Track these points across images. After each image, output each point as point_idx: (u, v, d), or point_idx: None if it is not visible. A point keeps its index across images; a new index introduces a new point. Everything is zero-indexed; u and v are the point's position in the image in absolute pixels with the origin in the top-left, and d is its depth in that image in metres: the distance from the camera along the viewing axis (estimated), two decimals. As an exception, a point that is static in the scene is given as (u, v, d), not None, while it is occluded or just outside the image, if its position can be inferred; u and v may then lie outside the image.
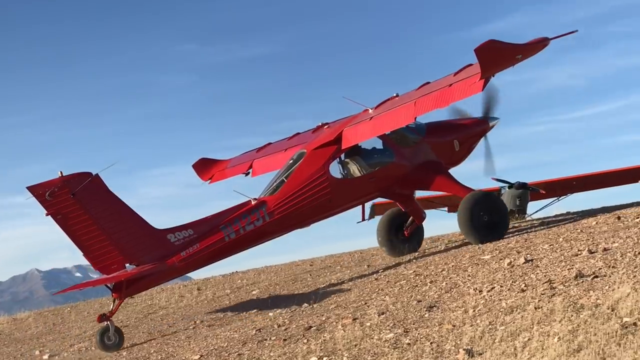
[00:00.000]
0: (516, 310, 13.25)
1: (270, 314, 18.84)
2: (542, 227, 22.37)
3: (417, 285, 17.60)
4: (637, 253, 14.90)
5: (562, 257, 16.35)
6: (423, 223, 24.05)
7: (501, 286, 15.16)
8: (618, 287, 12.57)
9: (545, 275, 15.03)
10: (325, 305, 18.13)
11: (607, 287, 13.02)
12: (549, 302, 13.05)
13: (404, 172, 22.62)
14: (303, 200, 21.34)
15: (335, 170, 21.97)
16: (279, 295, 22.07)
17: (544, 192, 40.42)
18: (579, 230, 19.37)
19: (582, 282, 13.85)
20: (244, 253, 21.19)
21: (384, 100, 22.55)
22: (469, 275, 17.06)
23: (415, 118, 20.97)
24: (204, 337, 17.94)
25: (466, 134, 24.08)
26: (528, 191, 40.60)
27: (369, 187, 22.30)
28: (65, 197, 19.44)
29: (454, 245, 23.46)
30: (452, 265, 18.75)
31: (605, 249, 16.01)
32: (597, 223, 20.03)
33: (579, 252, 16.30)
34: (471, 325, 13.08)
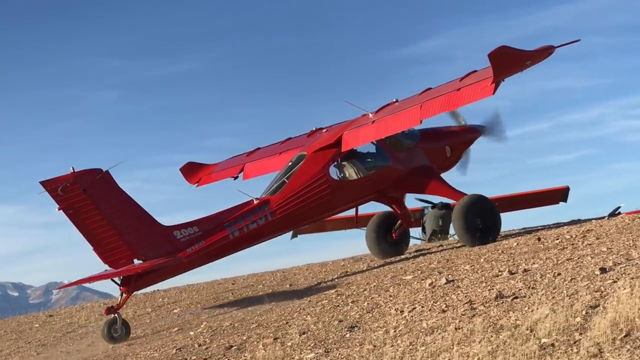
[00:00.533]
0: (437, 331, 13.28)
1: (191, 333, 18.67)
2: (463, 248, 22.49)
3: (338, 305, 17.58)
4: (556, 274, 15.04)
5: (483, 277, 16.46)
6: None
7: (422, 306, 15.19)
8: (537, 308, 12.66)
9: (466, 296, 15.10)
10: (247, 325, 18.01)
11: (526, 308, 13.11)
12: (469, 323, 13.10)
13: (399, 176, 23.47)
14: (304, 201, 22.11)
15: (333, 172, 22.79)
16: (200, 314, 21.90)
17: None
18: (499, 251, 19.52)
19: (502, 302, 13.94)
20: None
21: (383, 105, 23.27)
22: (390, 296, 17.09)
23: (422, 121, 21.56)
24: (123, 357, 17.71)
25: (457, 141, 25.04)
26: (451, 212, 40.87)
27: (366, 189, 23.19)
28: (77, 192, 20.03)
29: (375, 265, 23.50)
30: (374, 285, 18.78)
31: (525, 270, 16.15)
32: (517, 244, 20.20)
33: (500, 273, 16.42)
34: (392, 346, 13.07)
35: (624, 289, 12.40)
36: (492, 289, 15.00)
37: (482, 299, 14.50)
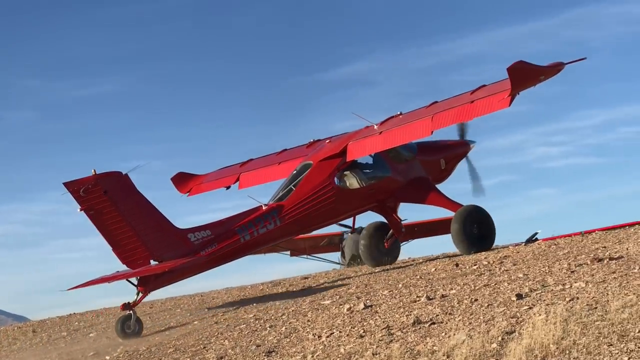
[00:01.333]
0: (354, 356, 13.28)
1: (107, 357, 18.42)
2: (382, 273, 22.56)
3: (256, 330, 17.49)
4: (473, 300, 15.15)
5: (401, 303, 16.51)
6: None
7: (340, 332, 15.18)
8: (454, 334, 12.73)
9: (384, 321, 15.13)
10: (164, 349, 17.83)
11: (443, 334, 13.17)
12: (386, 348, 13.12)
13: (398, 187, 24.54)
14: (311, 207, 23.14)
15: (338, 181, 23.82)
16: (117, 338, 21.61)
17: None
18: (418, 277, 19.61)
19: (420, 328, 13.99)
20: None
21: (387, 118, 24.25)
22: (308, 320, 17.05)
23: (432, 132, 22.37)
24: (36, 381, 17.41)
25: (451, 154, 26.16)
26: (370, 236, 40.97)
27: (367, 198, 24.26)
28: (98, 194, 20.86)
29: (295, 289, 23.46)
30: (292, 310, 18.73)
31: (443, 296, 16.25)
32: (436, 270, 20.32)
33: (418, 299, 16.49)
34: (309, 371, 13.03)
35: (540, 315, 12.53)
36: (410, 315, 15.05)
37: (399, 325, 14.53)
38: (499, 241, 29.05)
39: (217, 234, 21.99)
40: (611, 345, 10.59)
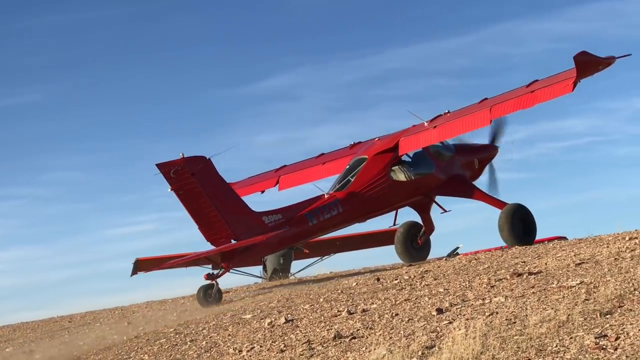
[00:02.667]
0: (275, 371, 13.21)
1: (23, 372, 18.13)
2: (303, 287, 22.54)
3: (177, 344, 17.34)
4: (394, 315, 15.19)
5: (322, 317, 16.49)
6: None
7: (261, 346, 15.11)
8: (374, 349, 12.74)
9: (304, 336, 15.09)
10: (82, 364, 17.60)
11: (364, 349, 13.17)
12: (307, 363, 13.08)
13: (440, 182, 26.52)
14: (368, 197, 25.30)
15: (390, 174, 25.89)
16: (35, 352, 21.30)
17: (307, 251, 40.84)
18: (339, 291, 19.60)
19: (340, 342, 13.98)
20: None
21: (436, 116, 26.33)
22: (229, 335, 16.95)
23: (491, 121, 24.82)
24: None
25: (483, 155, 28.02)
26: (292, 250, 40.94)
27: (414, 191, 26.24)
28: (187, 175, 23.01)
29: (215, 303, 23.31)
30: (213, 324, 18.61)
31: (364, 310, 16.26)
32: (357, 284, 20.33)
33: (339, 313, 16.48)
34: (229, 386, 12.94)
35: (459, 329, 12.59)
36: (331, 329, 15.04)
37: (320, 339, 14.51)
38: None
39: (288, 218, 24.02)
40: (529, 359, 10.67)
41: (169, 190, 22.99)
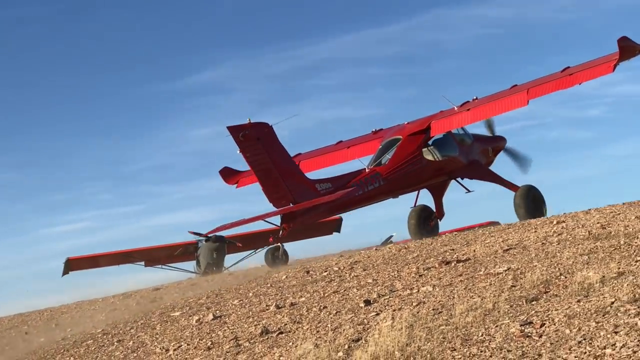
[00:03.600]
0: (200, 370, 12.97)
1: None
2: (233, 281, 22.28)
3: (104, 345, 17.01)
4: (322, 308, 15.00)
5: (251, 312, 16.27)
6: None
7: (188, 344, 14.85)
8: (301, 344, 12.53)
9: (232, 332, 14.85)
10: (6, 369, 17.20)
11: (290, 344, 12.97)
12: (233, 361, 12.85)
13: (463, 165, 28.96)
14: (404, 173, 27.64)
15: (423, 153, 28.25)
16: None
17: (240, 244, 40.58)
18: (269, 285, 19.39)
19: (268, 338, 13.76)
20: None
21: (465, 102, 28.52)
22: (157, 333, 16.66)
23: (528, 102, 26.31)
24: None
25: (496, 145, 30.57)
26: (225, 244, 40.62)
27: (441, 170, 28.66)
28: (253, 140, 24.94)
29: (145, 301, 22.99)
30: (141, 323, 18.30)
31: (292, 304, 16.06)
32: (287, 277, 20.13)
33: (267, 308, 16.26)
34: (154, 387, 12.67)
35: (386, 321, 12.43)
36: (259, 325, 14.81)
37: (247, 335, 14.28)
38: (354, 244, 30.61)
39: (337, 187, 25.96)
40: (454, 350, 10.52)
41: (238, 152, 25.00)
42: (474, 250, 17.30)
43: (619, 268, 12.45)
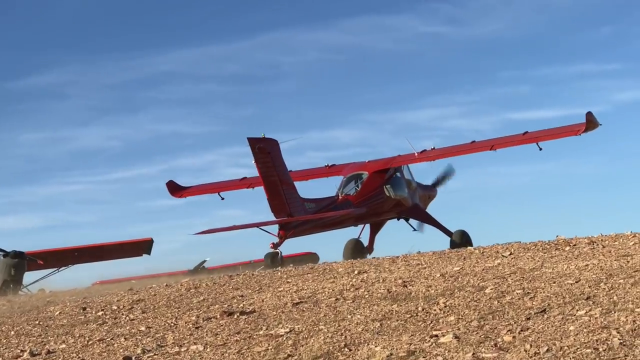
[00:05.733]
0: None
1: None
2: (8, 312, 19.89)
3: None
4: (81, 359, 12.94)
5: (2, 359, 14.05)
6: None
7: None
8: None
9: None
10: None
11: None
12: None
13: (408, 205, 32.22)
14: (371, 203, 30.98)
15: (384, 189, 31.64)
16: None
17: (41, 262, 37.94)
18: (37, 322, 17.10)
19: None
20: None
21: (423, 150, 31.84)
22: None
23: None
24: None
25: (431, 193, 34.05)
26: (25, 261, 37.91)
27: (395, 207, 31.98)
28: (265, 152, 28.08)
29: None
30: None
31: (49, 352, 13.89)
32: (61, 313, 17.85)
33: (21, 354, 14.03)
34: None
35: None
36: (-2, 379, 12.64)
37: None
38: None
39: (319, 207, 29.63)
40: None
41: (253, 162, 28.12)
42: (263, 300, 15.45)
43: (411, 344, 10.75)
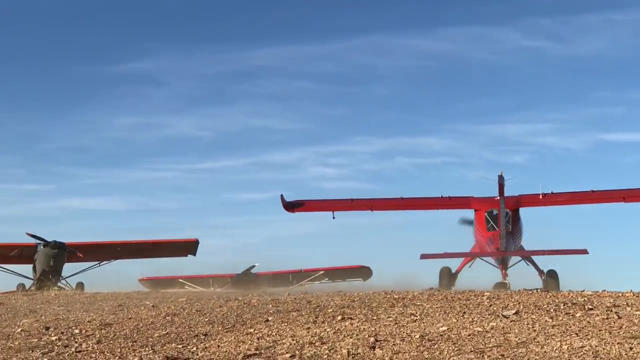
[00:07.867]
0: None
1: None
2: None
3: None
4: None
5: None
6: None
7: None
8: None
9: None
10: None
11: None
12: None
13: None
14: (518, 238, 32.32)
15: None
16: None
17: (81, 254, 36.70)
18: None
19: None
20: None
21: (545, 193, 32.63)
22: None
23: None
24: None
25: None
26: (65, 252, 36.75)
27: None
28: (503, 187, 30.14)
29: None
30: None
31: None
32: (22, 330, 16.25)
33: None
34: None
35: None
36: None
37: None
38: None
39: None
40: None
41: (496, 198, 30.66)
42: (219, 346, 13.52)
43: None
